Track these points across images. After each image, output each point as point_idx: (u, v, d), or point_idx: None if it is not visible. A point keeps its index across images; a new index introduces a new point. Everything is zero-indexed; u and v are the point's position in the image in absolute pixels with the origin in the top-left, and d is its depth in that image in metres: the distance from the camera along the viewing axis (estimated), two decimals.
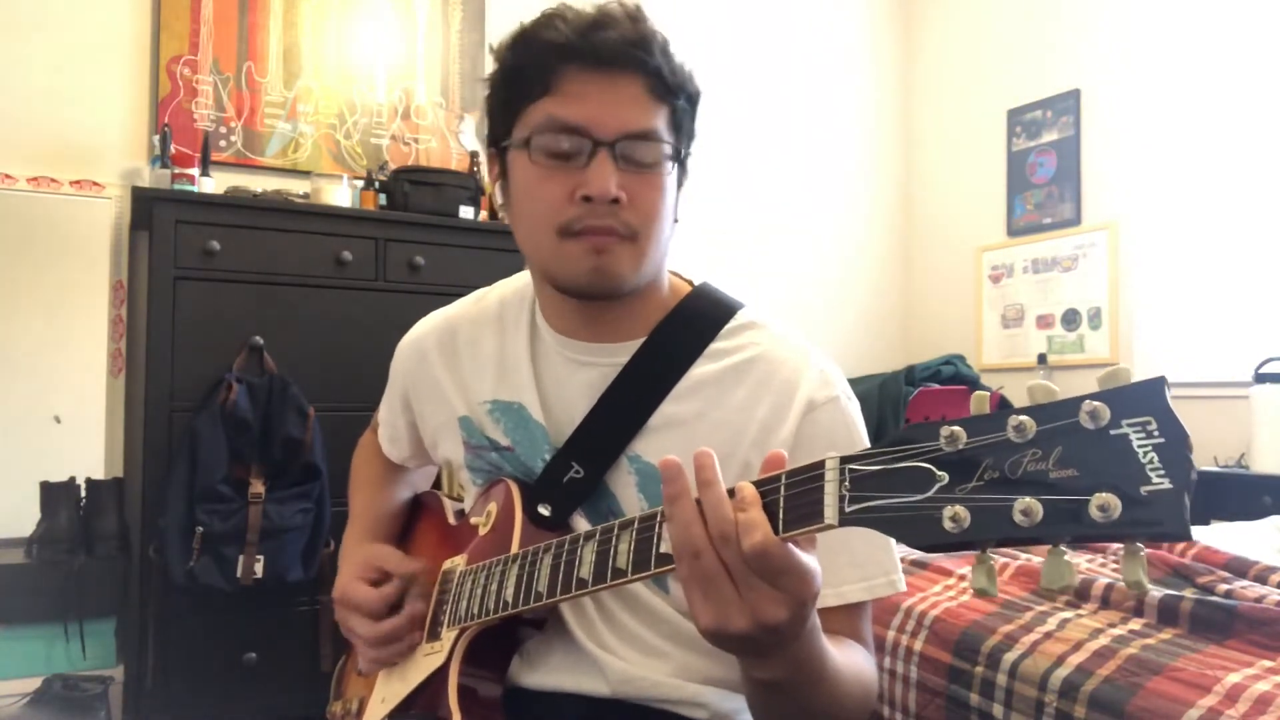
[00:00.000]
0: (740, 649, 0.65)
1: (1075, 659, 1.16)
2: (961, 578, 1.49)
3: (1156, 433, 0.44)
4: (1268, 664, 1.08)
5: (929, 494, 0.50)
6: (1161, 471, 0.44)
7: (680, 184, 0.90)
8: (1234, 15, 3.05)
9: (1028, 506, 0.46)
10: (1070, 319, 3.43)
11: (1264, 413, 2.60)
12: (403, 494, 1.18)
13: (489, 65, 0.90)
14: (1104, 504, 0.44)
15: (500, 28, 1.14)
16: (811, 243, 3.86)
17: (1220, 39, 3.08)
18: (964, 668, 1.26)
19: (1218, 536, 1.78)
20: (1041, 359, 3.44)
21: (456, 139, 3.15)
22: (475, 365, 1.00)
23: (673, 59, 0.86)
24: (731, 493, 0.62)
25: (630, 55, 0.82)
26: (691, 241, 3.53)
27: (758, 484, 0.62)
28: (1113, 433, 0.45)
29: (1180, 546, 1.58)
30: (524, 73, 0.84)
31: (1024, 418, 0.48)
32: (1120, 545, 0.48)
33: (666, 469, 0.63)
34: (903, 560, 1.60)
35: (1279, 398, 2.59)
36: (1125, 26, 3.29)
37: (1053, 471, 0.46)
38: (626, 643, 0.89)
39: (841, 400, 0.89)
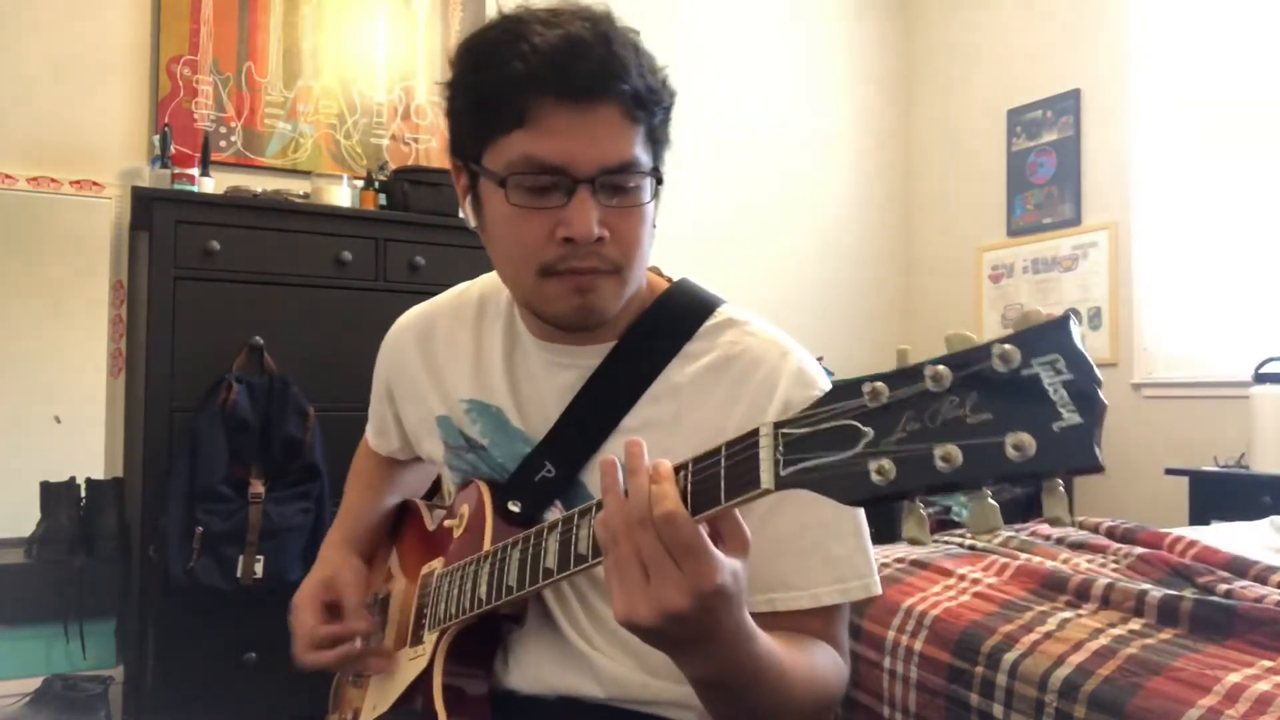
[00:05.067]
0: (656, 642, 0.65)
1: (1075, 659, 1.16)
2: (961, 578, 1.49)
3: (1065, 369, 0.45)
4: (1268, 664, 1.08)
5: (857, 450, 0.51)
6: (1071, 407, 0.44)
7: (657, 193, 0.85)
8: (1234, 15, 3.05)
9: (947, 453, 0.47)
10: None
11: (1264, 413, 2.60)
12: (391, 500, 1.18)
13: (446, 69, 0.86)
14: (1019, 443, 0.45)
15: None
16: (812, 242, 3.86)
17: (1221, 39, 3.08)
18: (964, 668, 1.26)
19: (1218, 536, 1.77)
20: None
21: None
22: (452, 361, 1.00)
23: (648, 74, 0.81)
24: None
25: (606, 85, 0.78)
26: (691, 241, 3.53)
27: (698, 459, 0.62)
28: (1024, 374, 0.46)
29: (1180, 546, 1.58)
30: (492, 101, 0.79)
31: (940, 367, 0.48)
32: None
33: (605, 467, 0.65)
34: (902, 561, 1.61)
35: (1279, 398, 2.59)
36: (1125, 26, 3.29)
37: (969, 417, 0.47)
38: (611, 640, 0.89)
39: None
